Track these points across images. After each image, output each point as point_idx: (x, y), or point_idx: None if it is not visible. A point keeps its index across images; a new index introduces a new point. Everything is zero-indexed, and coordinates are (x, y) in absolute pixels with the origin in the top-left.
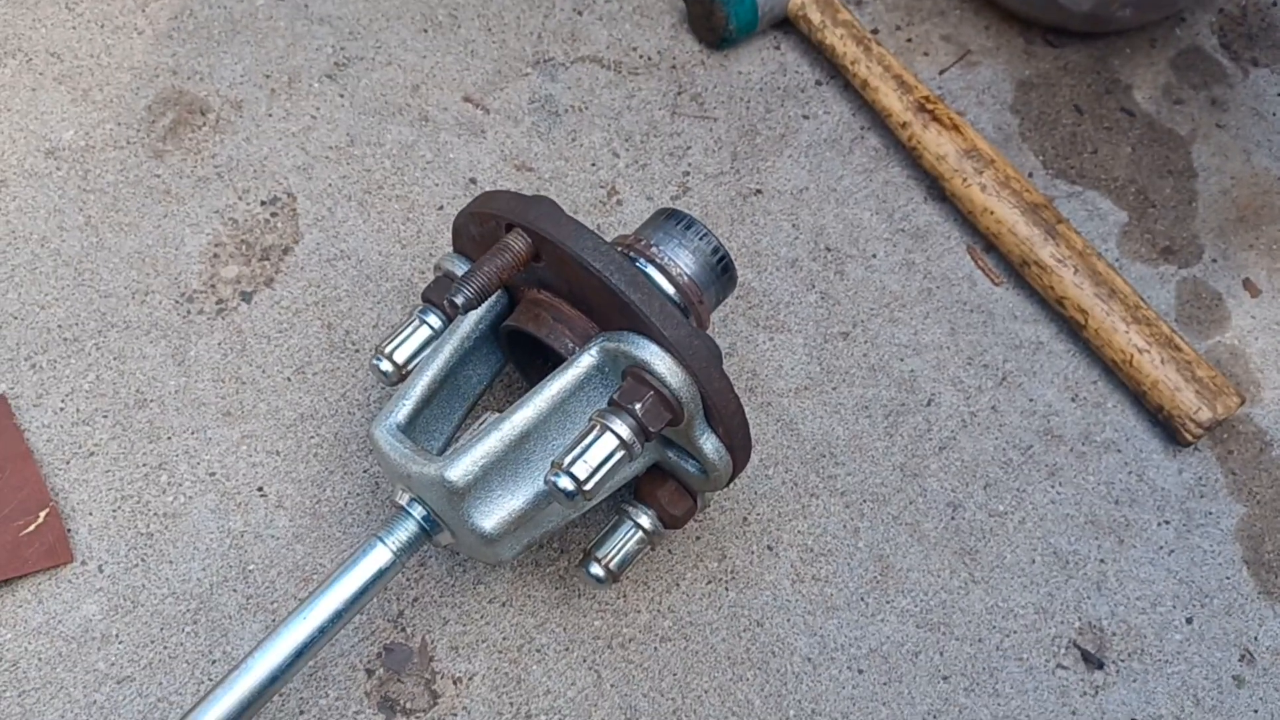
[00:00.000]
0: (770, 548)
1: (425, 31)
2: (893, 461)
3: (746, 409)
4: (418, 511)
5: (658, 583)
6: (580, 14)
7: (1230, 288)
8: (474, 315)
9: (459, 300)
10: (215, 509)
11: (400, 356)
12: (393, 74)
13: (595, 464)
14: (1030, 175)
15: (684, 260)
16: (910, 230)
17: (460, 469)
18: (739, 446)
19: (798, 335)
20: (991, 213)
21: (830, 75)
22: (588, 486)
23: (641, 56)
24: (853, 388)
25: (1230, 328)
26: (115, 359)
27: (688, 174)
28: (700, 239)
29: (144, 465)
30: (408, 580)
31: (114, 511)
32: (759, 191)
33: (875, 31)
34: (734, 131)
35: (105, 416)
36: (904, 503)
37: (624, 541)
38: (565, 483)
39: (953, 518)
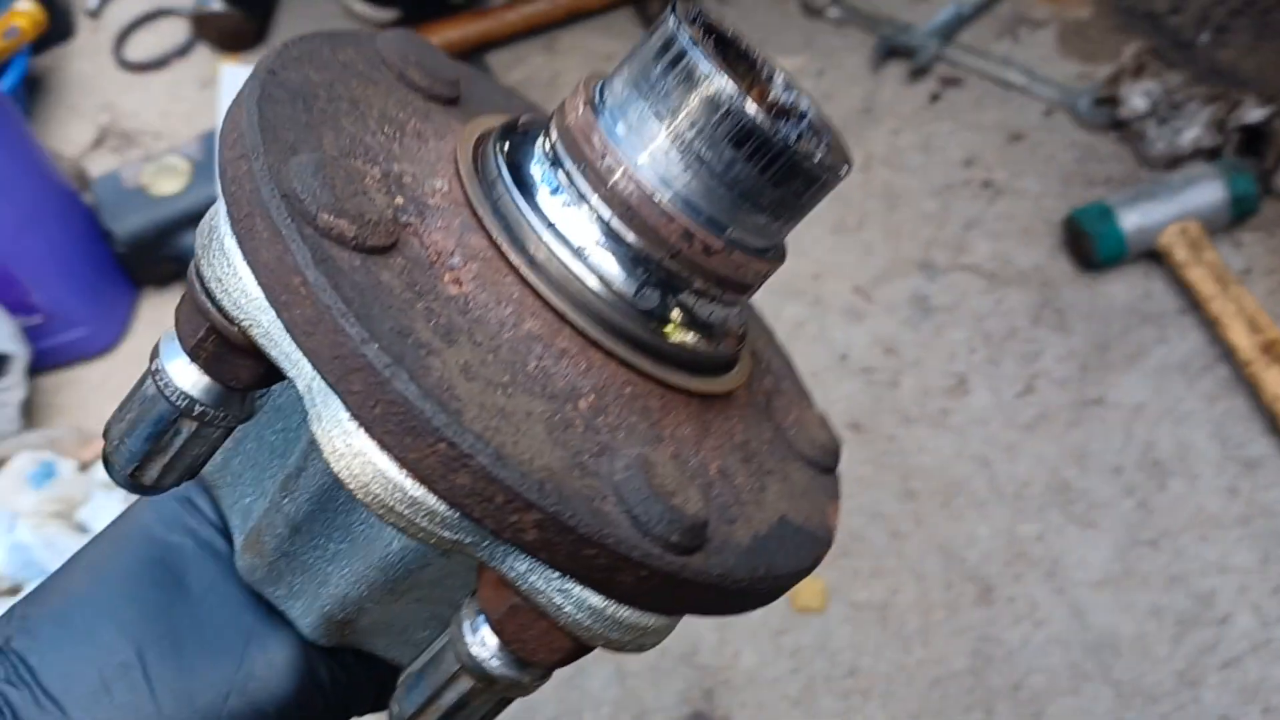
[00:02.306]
0: (1036, 716)
1: (835, 232)
2: (1173, 666)
3: (1043, 592)
4: None
5: None
6: (969, 229)
7: None
8: None
9: None
10: None
11: None
12: (802, 264)
13: None
14: None
15: None
16: (1242, 459)
17: None
18: None
19: (1106, 534)
20: None
21: (1193, 306)
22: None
23: (1016, 270)
24: (1149, 592)
25: None
26: None
27: (1035, 377)
28: None
29: None
30: None
31: None
32: (1099, 401)
33: (1248, 272)
34: (1087, 345)
35: None
36: (1174, 706)
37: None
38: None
39: None
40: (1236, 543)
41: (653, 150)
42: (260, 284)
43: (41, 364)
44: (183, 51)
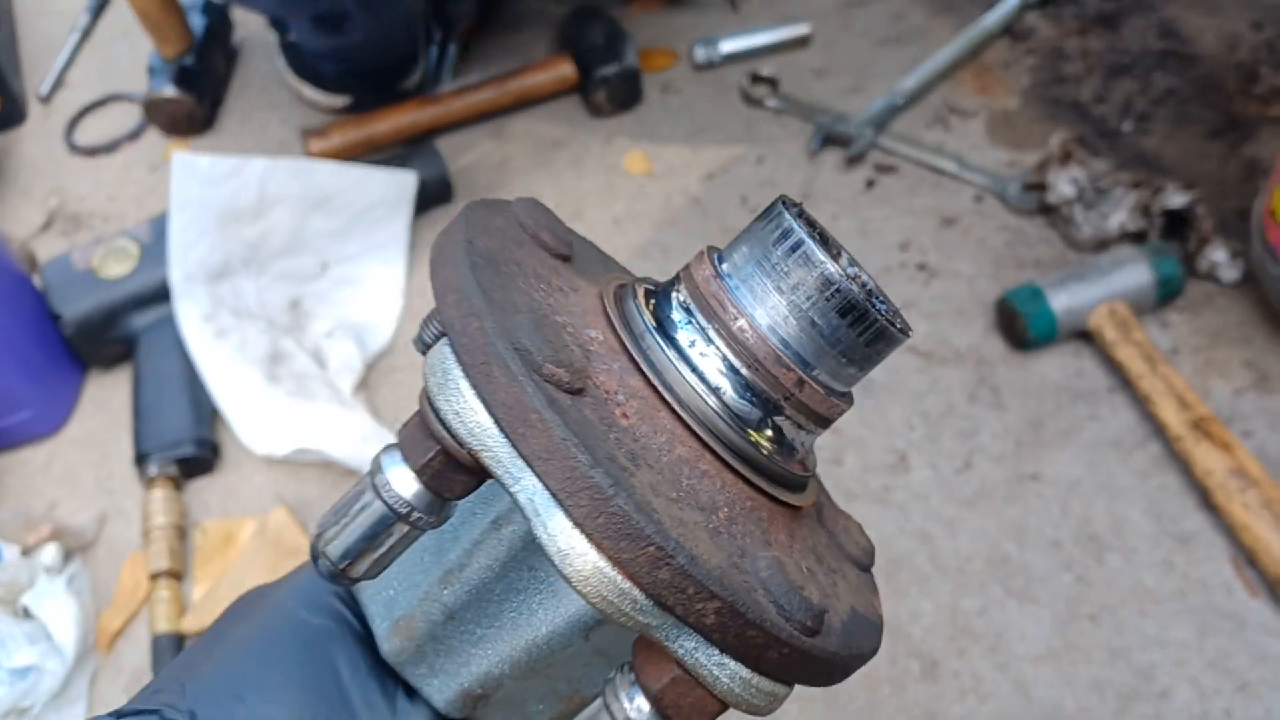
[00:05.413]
0: None
1: None
2: None
3: (986, 667)
4: None
5: None
6: (906, 310)
7: None
8: None
9: None
10: None
11: None
12: None
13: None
14: None
15: None
16: (1176, 534)
17: None
18: None
19: (1046, 609)
20: (1249, 529)
21: (1124, 384)
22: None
23: (952, 350)
24: (1090, 666)
25: None
26: None
27: (973, 453)
28: None
29: None
30: None
31: None
32: (1035, 477)
33: (1175, 352)
34: (1022, 422)
35: None
36: None
37: None
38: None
39: None
40: (1174, 616)
41: (772, 313)
42: (496, 419)
43: None
44: (133, 136)
